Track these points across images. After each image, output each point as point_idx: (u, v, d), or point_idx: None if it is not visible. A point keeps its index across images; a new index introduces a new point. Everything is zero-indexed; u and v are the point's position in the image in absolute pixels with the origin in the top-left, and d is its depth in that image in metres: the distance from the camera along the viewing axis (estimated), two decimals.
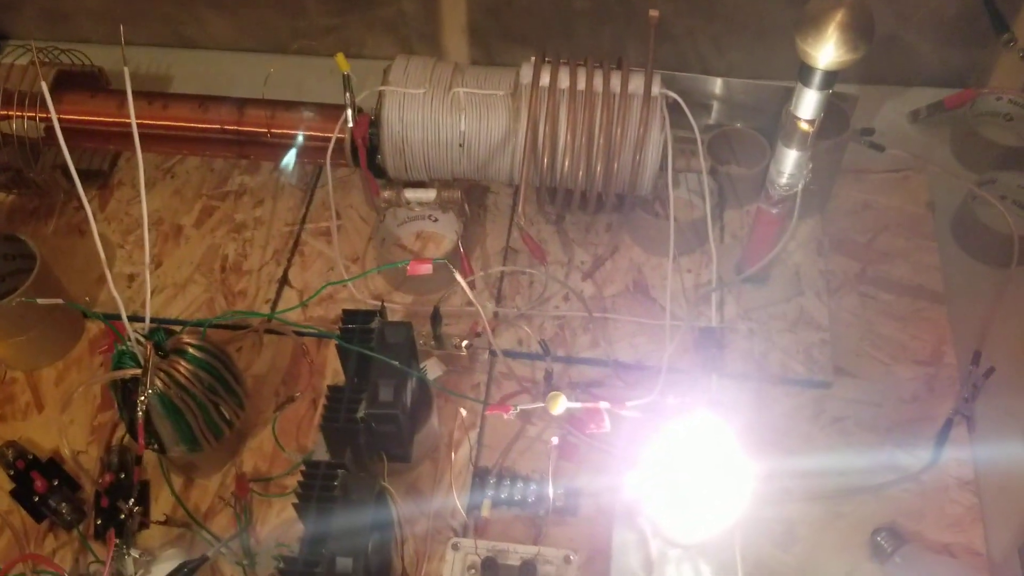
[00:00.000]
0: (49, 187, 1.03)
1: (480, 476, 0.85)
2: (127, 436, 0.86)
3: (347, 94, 0.87)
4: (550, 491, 0.78)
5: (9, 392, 0.93)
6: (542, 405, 0.72)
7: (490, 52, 1.21)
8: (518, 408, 0.75)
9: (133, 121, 0.76)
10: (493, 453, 0.87)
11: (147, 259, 0.78)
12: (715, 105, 1.08)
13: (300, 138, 0.96)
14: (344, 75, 0.85)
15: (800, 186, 0.85)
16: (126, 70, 0.75)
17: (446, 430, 0.89)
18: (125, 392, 0.78)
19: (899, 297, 0.97)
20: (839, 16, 0.70)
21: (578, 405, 0.73)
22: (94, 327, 0.98)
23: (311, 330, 0.95)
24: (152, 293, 0.99)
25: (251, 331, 0.94)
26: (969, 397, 0.89)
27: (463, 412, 0.85)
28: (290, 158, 0.98)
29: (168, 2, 1.21)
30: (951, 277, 0.99)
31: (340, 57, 0.84)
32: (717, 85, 1.05)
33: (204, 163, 1.11)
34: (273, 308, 0.98)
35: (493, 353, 0.92)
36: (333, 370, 0.94)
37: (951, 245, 1.03)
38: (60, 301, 0.82)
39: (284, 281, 1.01)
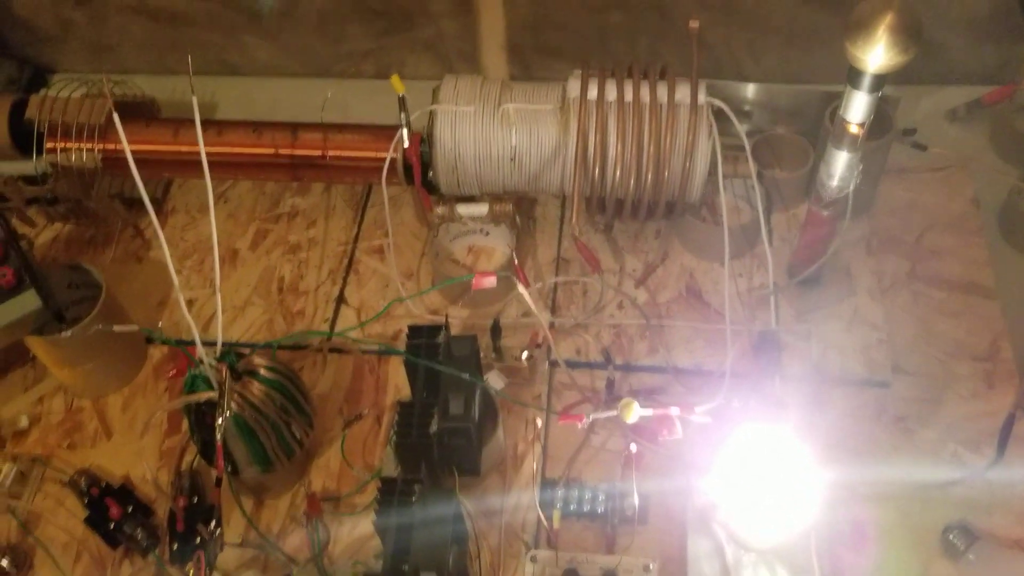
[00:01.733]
0: (108, 215, 1.05)
1: (548, 487, 0.86)
2: (196, 459, 0.88)
3: (402, 114, 0.88)
4: (635, 499, 0.78)
5: (77, 420, 0.95)
6: (614, 413, 0.73)
7: (528, 67, 1.22)
8: (591, 417, 0.76)
9: (202, 148, 0.77)
10: (559, 464, 0.88)
11: (217, 281, 0.80)
12: (755, 111, 1.09)
13: None
14: (400, 96, 0.87)
15: (851, 188, 0.86)
16: (194, 99, 0.77)
17: (511, 442, 0.90)
18: (199, 415, 0.80)
19: (951, 294, 0.98)
20: (888, 19, 0.71)
21: (650, 412, 0.74)
22: (157, 352, 0.99)
23: (375, 346, 0.97)
24: (210, 318, 1.01)
25: (314, 350, 0.96)
26: None
27: (539, 422, 0.86)
28: None
29: (211, 30, 1.24)
30: (1001, 272, 0.99)
31: (395, 79, 0.85)
32: (757, 91, 1.06)
33: (256, 187, 1.13)
34: (332, 327, 0.99)
35: (553, 363, 0.93)
36: (395, 386, 0.95)
37: (999, 240, 1.03)
38: (135, 328, 0.84)
39: (341, 300, 1.02)
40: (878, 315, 0.96)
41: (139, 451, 0.92)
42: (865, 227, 1.03)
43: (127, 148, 0.75)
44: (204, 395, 0.78)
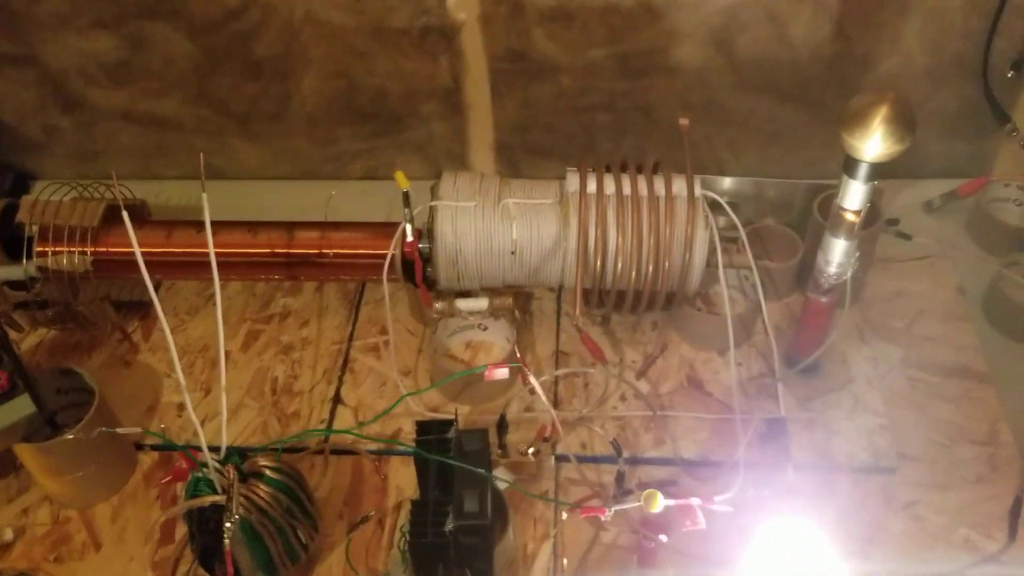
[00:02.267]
0: (97, 319, 1.03)
1: None
2: (191, 569, 0.84)
3: (406, 210, 0.89)
4: None
5: (64, 532, 0.90)
6: (638, 504, 0.71)
7: (515, 166, 1.25)
8: (612, 509, 0.74)
9: (211, 249, 0.77)
10: (571, 564, 0.86)
11: (223, 378, 0.78)
12: (741, 204, 1.11)
13: None
14: (404, 192, 0.87)
15: (849, 274, 0.88)
16: (204, 196, 0.77)
17: (520, 542, 0.87)
18: (201, 521, 0.77)
19: (946, 379, 0.99)
20: (884, 110, 0.74)
21: (672, 502, 0.73)
22: (147, 459, 0.96)
23: (375, 446, 0.94)
24: (204, 421, 0.99)
25: (312, 452, 0.93)
26: None
27: (564, 515, 0.84)
28: None
29: (198, 135, 1.24)
30: (992, 357, 1.01)
31: (400, 175, 0.86)
32: (744, 184, 1.09)
33: (245, 287, 1.12)
34: (328, 427, 0.97)
35: (561, 458, 0.92)
36: (396, 487, 0.92)
37: (984, 326, 1.05)
38: (139, 430, 0.81)
39: (337, 399, 1.00)
40: (878, 401, 0.97)
41: (130, 563, 0.87)
42: (857, 316, 1.04)
43: (137, 250, 0.74)
44: (209, 499, 0.75)
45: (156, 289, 1.11)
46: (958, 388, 0.98)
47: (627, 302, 0.97)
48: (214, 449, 0.78)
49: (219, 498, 0.74)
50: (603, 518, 0.74)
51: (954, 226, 1.17)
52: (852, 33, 1.09)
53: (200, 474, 0.77)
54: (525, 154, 1.24)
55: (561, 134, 1.21)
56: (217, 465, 0.76)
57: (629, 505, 0.73)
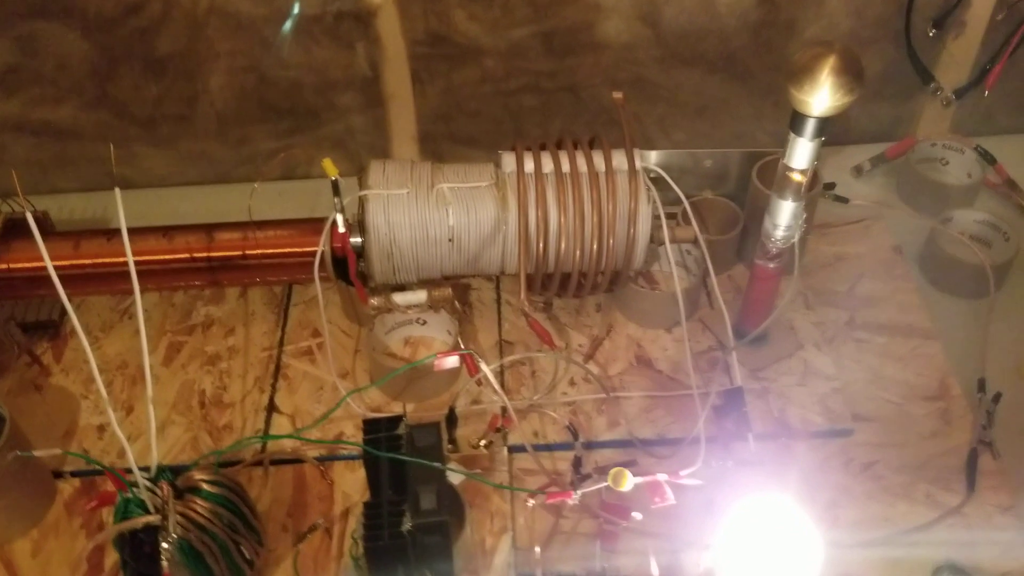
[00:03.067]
0: (3, 341, 0.95)
1: None
2: None
3: (336, 199, 0.84)
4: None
5: None
6: (605, 484, 0.68)
7: (442, 158, 1.20)
8: (579, 492, 0.71)
9: (128, 251, 0.71)
10: (531, 555, 0.82)
11: (149, 390, 0.72)
12: (679, 177, 1.09)
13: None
14: (333, 180, 0.82)
15: (796, 237, 0.86)
16: (117, 190, 0.71)
17: (478, 538, 0.83)
18: (135, 546, 0.70)
19: (892, 338, 0.99)
20: (832, 61, 0.72)
21: (641, 480, 0.70)
22: (68, 487, 0.88)
23: (319, 452, 0.89)
24: (129, 441, 0.91)
25: (250, 464, 0.87)
26: (986, 424, 0.90)
27: (530, 502, 0.80)
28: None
29: (99, 145, 1.17)
30: (933, 313, 1.01)
31: (327, 163, 0.81)
32: (680, 157, 1.07)
33: (163, 299, 1.05)
34: (263, 439, 0.91)
35: (516, 448, 0.88)
36: (343, 493, 0.87)
37: (923, 284, 1.06)
38: (58, 451, 0.75)
39: (272, 408, 0.94)
40: (829, 366, 0.95)
41: None
42: (799, 283, 1.03)
43: (46, 256, 0.68)
44: (142, 520, 0.69)
45: (63, 308, 1.05)
46: (905, 346, 0.98)
47: (571, 284, 0.94)
48: (144, 469, 0.72)
49: (153, 518, 0.68)
50: (570, 502, 0.71)
51: (885, 188, 1.17)
52: None
53: (130, 495, 0.70)
54: (451, 144, 1.20)
55: (488, 120, 1.17)
56: (148, 483, 0.70)
57: (596, 487, 0.70)
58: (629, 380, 0.95)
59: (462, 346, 0.92)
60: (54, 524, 0.86)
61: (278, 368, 0.98)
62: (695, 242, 0.95)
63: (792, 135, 0.78)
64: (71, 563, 0.82)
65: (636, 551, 0.81)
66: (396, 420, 0.76)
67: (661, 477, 0.71)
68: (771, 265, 0.89)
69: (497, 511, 0.85)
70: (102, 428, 0.93)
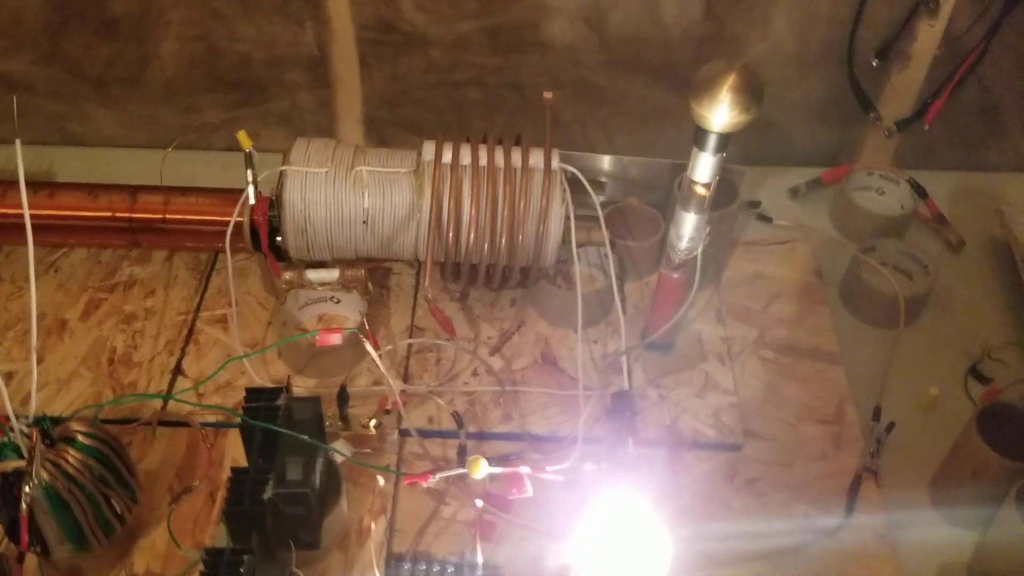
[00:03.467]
0: None
1: (394, 562, 0.81)
2: (5, 541, 0.79)
3: (249, 171, 0.85)
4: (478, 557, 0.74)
5: None
6: (462, 471, 0.70)
7: (385, 142, 1.22)
8: (437, 476, 0.72)
9: (26, 209, 0.72)
10: (407, 537, 0.84)
11: (33, 339, 0.74)
12: (608, 182, 1.11)
13: None
14: (246, 152, 0.84)
15: (699, 250, 0.88)
16: (18, 143, 0.72)
17: (356, 515, 0.84)
18: (5, 488, 0.72)
19: (798, 360, 1.00)
20: (731, 79, 0.74)
21: (499, 470, 0.71)
22: None
23: (212, 419, 0.91)
24: (37, 390, 0.93)
25: (144, 423, 0.89)
26: (874, 452, 0.91)
27: (381, 480, 0.81)
28: None
29: (52, 100, 1.18)
30: (843, 339, 1.02)
31: (242, 134, 0.83)
32: (610, 163, 1.08)
33: (91, 256, 1.07)
34: (165, 398, 0.93)
35: (404, 432, 0.89)
36: (233, 460, 0.88)
37: (840, 310, 1.07)
38: None
39: (178, 370, 0.96)
40: (728, 381, 0.97)
41: None
42: (715, 296, 1.05)
43: None
44: (11, 464, 0.70)
45: None
46: (809, 369, 0.99)
47: (480, 275, 0.95)
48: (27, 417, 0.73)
49: (20, 463, 0.70)
50: (425, 485, 0.72)
51: (817, 213, 1.18)
52: (722, 13, 1.09)
53: (4, 440, 0.72)
54: (396, 129, 1.21)
55: (432, 110, 1.19)
56: (23, 428, 0.71)
57: (452, 472, 0.71)
58: (531, 376, 0.97)
59: (367, 326, 0.93)
60: None
61: (191, 333, 1.00)
62: (612, 246, 0.97)
63: (695, 149, 0.80)
64: None
65: (511, 540, 0.83)
66: (277, 391, 0.78)
67: (524, 470, 0.73)
68: (675, 275, 0.90)
69: (380, 492, 0.86)
70: (10, 375, 0.95)
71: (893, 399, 0.96)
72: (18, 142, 0.73)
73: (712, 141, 0.78)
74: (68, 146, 1.23)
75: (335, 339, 0.78)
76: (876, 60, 1.12)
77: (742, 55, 1.13)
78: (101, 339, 0.99)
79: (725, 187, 1.02)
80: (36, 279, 1.04)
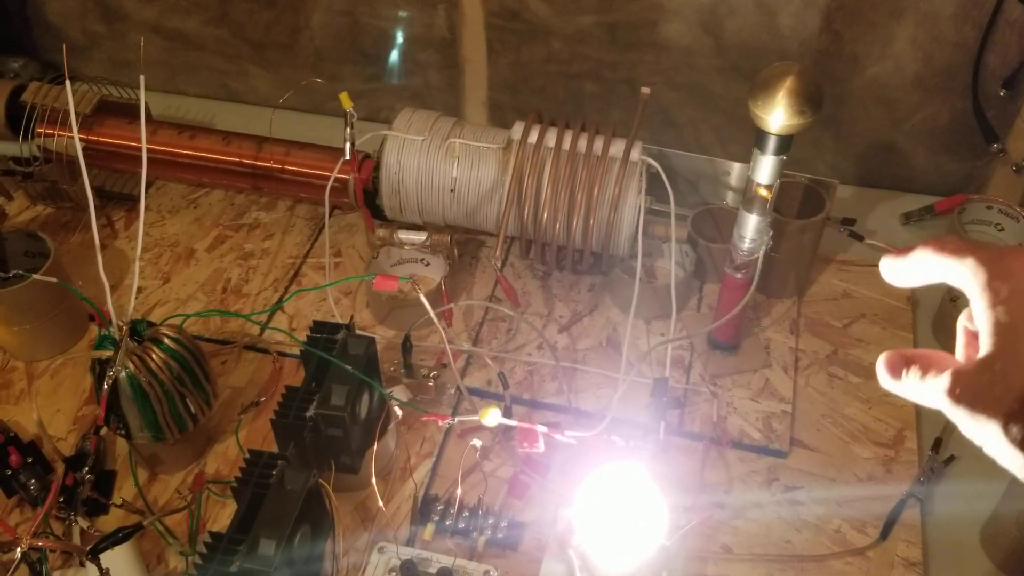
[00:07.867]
0: (81, 201, 1.12)
1: (428, 502, 0.87)
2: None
3: (347, 129, 0.94)
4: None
5: (8, 379, 0.99)
6: (475, 418, 0.75)
7: (507, 126, 1.28)
8: (455, 419, 0.78)
9: (143, 143, 0.84)
10: (445, 483, 0.90)
11: (139, 248, 0.85)
12: (702, 184, 1.12)
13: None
14: (347, 112, 0.93)
15: (761, 252, 0.89)
16: (142, 78, 0.84)
17: (403, 455, 0.91)
18: (101, 374, 0.84)
19: (867, 381, 0.98)
20: (788, 83, 0.75)
21: (513, 423, 0.76)
22: (97, 331, 1.04)
23: (292, 346, 1.00)
24: (156, 305, 1.07)
25: (237, 346, 1.00)
26: (925, 480, 0.89)
27: (399, 411, 0.87)
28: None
29: (218, 57, 1.33)
30: None
31: (344, 96, 0.91)
32: (707, 164, 1.10)
33: (226, 198, 1.20)
34: (262, 327, 1.03)
35: (459, 391, 0.95)
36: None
37: (931, 341, 1.04)
38: (55, 280, 0.89)
39: (279, 306, 1.06)
40: (788, 390, 0.97)
41: (56, 414, 0.95)
42: (793, 308, 1.04)
43: (76, 138, 0.82)
44: (105, 353, 0.82)
45: (147, 187, 1.22)
46: (877, 391, 0.97)
47: (552, 254, 1.00)
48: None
49: (110, 352, 0.81)
50: (441, 424, 0.78)
51: None
52: (841, 29, 1.08)
53: (107, 332, 0.84)
54: (516, 115, 1.26)
55: (551, 99, 1.24)
56: (119, 323, 0.83)
57: (468, 418, 0.77)
58: (592, 357, 1.00)
59: (444, 287, 1.00)
60: (76, 357, 1.02)
61: (296, 275, 1.10)
62: (694, 245, 0.99)
63: (756, 151, 0.81)
64: (78, 391, 0.98)
65: (539, 503, 0.87)
66: (339, 327, 0.86)
67: (540, 428, 0.77)
68: (738, 275, 0.92)
69: (430, 438, 0.93)
70: (140, 289, 1.09)
71: (961, 436, 0.93)
72: (142, 78, 0.84)
73: (771, 143, 0.80)
74: (230, 101, 1.37)
75: (390, 285, 0.85)
76: (1003, 90, 1.08)
77: (859, 73, 1.11)
78: (220, 270, 1.11)
79: (812, 198, 1.02)
80: (177, 212, 1.19)
